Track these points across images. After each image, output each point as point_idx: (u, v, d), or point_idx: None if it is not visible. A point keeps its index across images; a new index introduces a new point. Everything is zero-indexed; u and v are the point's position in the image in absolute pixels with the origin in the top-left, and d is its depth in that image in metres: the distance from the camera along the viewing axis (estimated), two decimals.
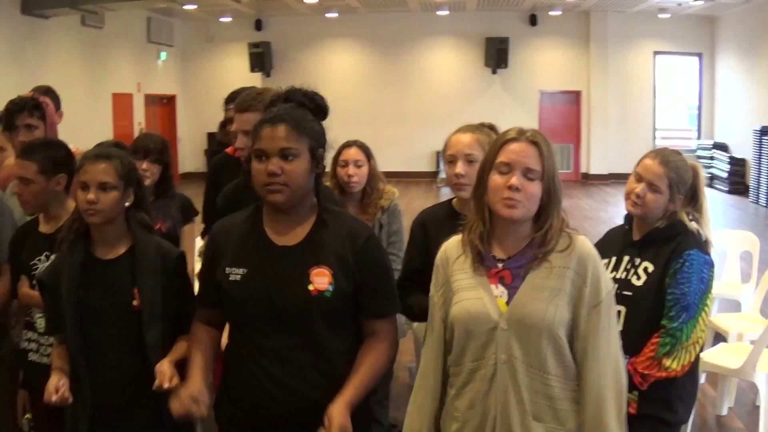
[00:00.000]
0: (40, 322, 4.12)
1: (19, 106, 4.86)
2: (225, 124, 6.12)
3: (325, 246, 3.17)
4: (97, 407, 3.52)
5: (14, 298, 4.41)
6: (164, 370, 3.41)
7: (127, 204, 3.68)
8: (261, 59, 25.36)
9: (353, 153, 5.58)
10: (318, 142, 3.19)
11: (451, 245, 3.17)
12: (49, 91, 5.88)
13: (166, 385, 3.34)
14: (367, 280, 3.20)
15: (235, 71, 24.51)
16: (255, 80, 22.30)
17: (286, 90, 3.37)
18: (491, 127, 4.03)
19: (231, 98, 5.90)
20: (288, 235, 3.20)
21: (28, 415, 4.45)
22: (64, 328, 3.58)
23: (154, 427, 3.60)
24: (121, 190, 3.62)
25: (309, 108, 3.26)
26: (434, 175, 24.95)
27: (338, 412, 2.99)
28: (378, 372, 3.25)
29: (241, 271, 3.16)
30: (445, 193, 4.70)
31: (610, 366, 2.97)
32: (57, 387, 3.44)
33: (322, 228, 3.21)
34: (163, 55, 24.96)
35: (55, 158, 4.21)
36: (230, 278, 3.17)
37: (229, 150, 5.41)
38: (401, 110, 25.84)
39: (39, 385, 3.52)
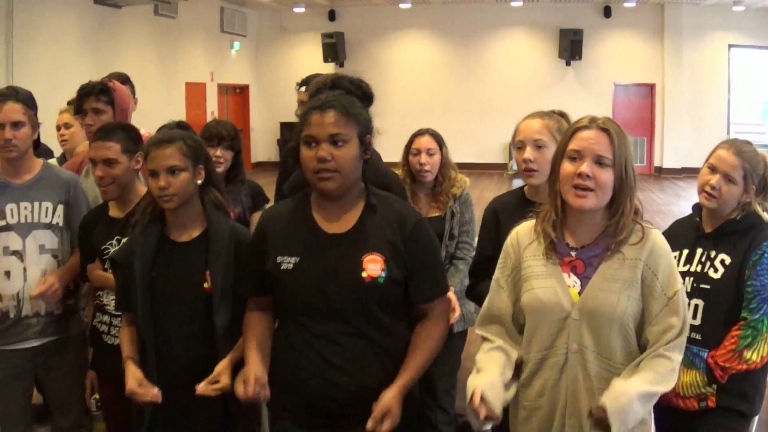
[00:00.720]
0: (112, 303, 4.11)
1: (87, 90, 4.90)
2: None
3: (376, 232, 3.18)
4: (162, 388, 3.51)
5: (83, 281, 4.46)
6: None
7: (199, 182, 3.68)
8: (334, 49, 25.37)
9: (425, 141, 5.53)
10: (366, 128, 3.21)
11: (524, 230, 3.17)
12: (127, 80, 5.94)
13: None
14: (417, 265, 3.22)
15: (308, 61, 24.35)
16: (328, 70, 22.16)
17: (333, 77, 3.39)
18: (562, 114, 3.97)
19: (305, 82, 5.89)
20: (338, 222, 3.22)
21: (96, 395, 4.49)
22: (135, 308, 3.59)
23: (219, 410, 3.57)
24: (191, 170, 3.62)
25: (356, 95, 3.29)
26: (506, 167, 24.77)
27: (389, 396, 3.03)
28: (432, 353, 3.29)
29: (293, 259, 3.17)
30: (517, 185, 4.68)
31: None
32: (140, 382, 3.49)
33: (372, 214, 3.23)
34: (237, 45, 25.12)
35: (132, 137, 4.21)
36: (282, 267, 3.18)
37: None
38: (473, 101, 25.66)
39: (107, 366, 3.53)
